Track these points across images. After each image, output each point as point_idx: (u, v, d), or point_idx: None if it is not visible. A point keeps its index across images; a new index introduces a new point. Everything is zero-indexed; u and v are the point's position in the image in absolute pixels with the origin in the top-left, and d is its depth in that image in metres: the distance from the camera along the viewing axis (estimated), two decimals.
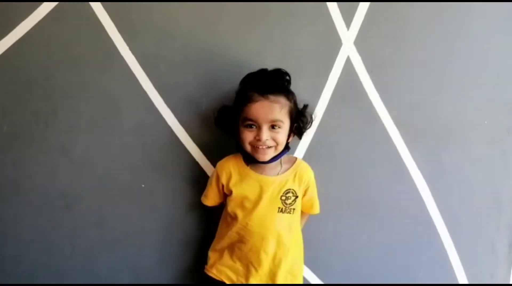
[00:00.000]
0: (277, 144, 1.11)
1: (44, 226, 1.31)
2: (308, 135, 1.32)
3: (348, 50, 1.32)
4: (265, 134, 1.08)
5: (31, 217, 1.31)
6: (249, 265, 1.16)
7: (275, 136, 1.10)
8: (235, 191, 1.16)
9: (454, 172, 1.39)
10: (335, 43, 1.32)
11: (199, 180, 1.30)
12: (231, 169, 1.18)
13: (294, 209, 1.17)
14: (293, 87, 1.17)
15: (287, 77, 1.17)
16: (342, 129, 1.34)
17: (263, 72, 1.14)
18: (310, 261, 1.36)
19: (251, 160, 1.16)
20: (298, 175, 1.18)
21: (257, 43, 1.30)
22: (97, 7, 1.26)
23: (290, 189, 1.16)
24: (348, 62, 1.32)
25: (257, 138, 1.09)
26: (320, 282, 1.38)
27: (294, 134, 1.20)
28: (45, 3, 1.24)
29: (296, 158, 1.23)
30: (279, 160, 1.17)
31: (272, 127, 1.09)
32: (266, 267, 1.16)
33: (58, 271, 1.33)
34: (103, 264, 1.33)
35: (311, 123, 1.23)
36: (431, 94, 1.36)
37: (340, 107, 1.32)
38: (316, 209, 1.25)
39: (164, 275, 1.35)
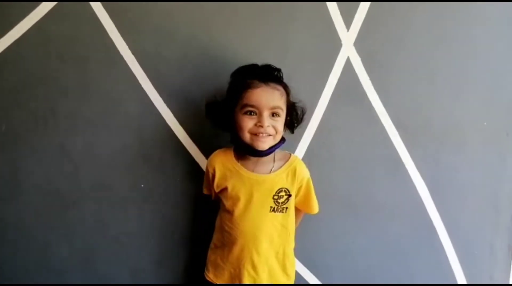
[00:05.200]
0: (276, 132, 1.11)
1: (42, 225, 1.31)
2: (308, 135, 1.32)
3: (348, 51, 1.32)
4: (267, 120, 1.08)
5: (30, 217, 1.30)
6: (241, 267, 1.13)
7: (274, 124, 1.10)
8: (229, 189, 1.13)
9: (453, 173, 1.39)
10: (335, 44, 1.32)
11: (198, 179, 1.30)
12: (215, 165, 1.16)
13: (287, 208, 1.15)
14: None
15: (280, 73, 1.16)
16: (342, 129, 1.34)
17: (255, 65, 1.14)
18: (308, 261, 1.36)
19: (245, 153, 1.14)
20: (292, 172, 1.16)
21: (257, 44, 1.30)
22: (97, 7, 1.26)
23: (282, 188, 1.14)
24: (348, 63, 1.32)
25: (258, 124, 1.08)
26: (318, 282, 1.37)
27: (287, 127, 1.19)
28: (44, 3, 1.24)
29: (290, 155, 1.20)
30: (272, 156, 1.16)
31: (272, 115, 1.09)
32: (260, 268, 1.13)
33: (56, 271, 1.32)
34: (101, 263, 1.33)
35: (303, 117, 1.21)
36: (430, 95, 1.36)
37: (340, 108, 1.33)
38: (315, 208, 1.23)
39: (163, 274, 1.35)
